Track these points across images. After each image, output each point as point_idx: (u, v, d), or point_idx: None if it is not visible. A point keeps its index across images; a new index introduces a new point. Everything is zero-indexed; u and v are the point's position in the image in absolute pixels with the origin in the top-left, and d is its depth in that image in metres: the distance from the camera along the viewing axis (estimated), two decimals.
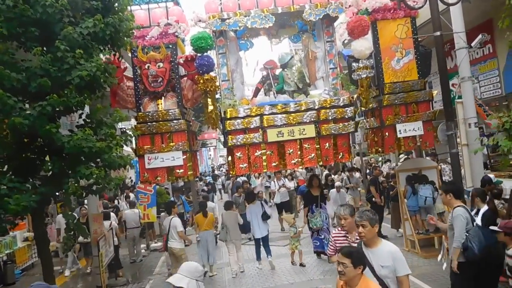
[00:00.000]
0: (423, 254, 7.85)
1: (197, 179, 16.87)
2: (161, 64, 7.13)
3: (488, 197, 5.82)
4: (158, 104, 7.42)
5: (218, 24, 7.17)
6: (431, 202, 8.13)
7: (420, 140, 7.84)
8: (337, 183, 11.18)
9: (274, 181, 12.89)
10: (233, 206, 9.04)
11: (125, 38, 5.64)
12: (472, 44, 8.02)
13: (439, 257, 5.75)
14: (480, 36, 7.95)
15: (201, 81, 6.85)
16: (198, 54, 7.00)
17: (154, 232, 11.72)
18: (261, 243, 8.78)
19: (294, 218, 8.67)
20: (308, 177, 15.54)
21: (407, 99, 7.61)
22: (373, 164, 14.19)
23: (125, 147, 7.51)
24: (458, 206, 4.84)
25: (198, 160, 12.70)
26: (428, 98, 7.81)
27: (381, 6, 7.50)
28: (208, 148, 29.87)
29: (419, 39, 7.95)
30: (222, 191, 22.30)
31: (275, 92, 8.01)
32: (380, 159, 18.57)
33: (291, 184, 13.12)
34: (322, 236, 7.96)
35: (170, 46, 7.28)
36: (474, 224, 4.85)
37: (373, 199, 10.44)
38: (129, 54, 7.53)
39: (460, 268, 4.77)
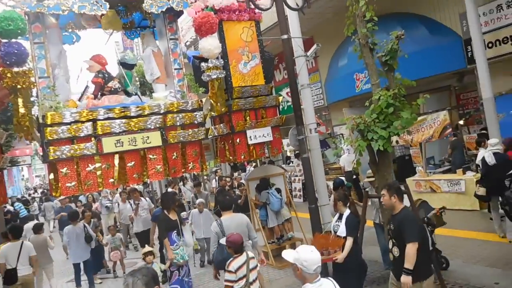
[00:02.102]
0: (277, 265, 7.59)
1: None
2: None
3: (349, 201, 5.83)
4: None
5: (32, 4, 5.48)
6: (280, 206, 8.06)
7: (269, 146, 7.73)
8: (199, 200, 9.10)
9: (131, 202, 10.46)
10: (42, 229, 8.01)
11: None
12: (308, 53, 8.34)
13: None
14: (315, 45, 8.34)
15: (9, 75, 5.14)
16: (4, 40, 5.25)
17: None
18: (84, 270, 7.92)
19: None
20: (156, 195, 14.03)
21: (255, 104, 7.36)
22: (219, 175, 13.82)
23: None
24: (217, 219, 5.42)
25: (6, 181, 10.08)
26: (275, 103, 7.74)
27: (227, 5, 7.10)
28: (20, 167, 25.17)
29: (264, 44, 7.87)
30: (40, 216, 18.94)
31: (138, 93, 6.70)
32: (214, 169, 18.43)
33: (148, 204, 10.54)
34: (183, 273, 6.22)
35: None
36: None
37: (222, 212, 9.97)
38: None
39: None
